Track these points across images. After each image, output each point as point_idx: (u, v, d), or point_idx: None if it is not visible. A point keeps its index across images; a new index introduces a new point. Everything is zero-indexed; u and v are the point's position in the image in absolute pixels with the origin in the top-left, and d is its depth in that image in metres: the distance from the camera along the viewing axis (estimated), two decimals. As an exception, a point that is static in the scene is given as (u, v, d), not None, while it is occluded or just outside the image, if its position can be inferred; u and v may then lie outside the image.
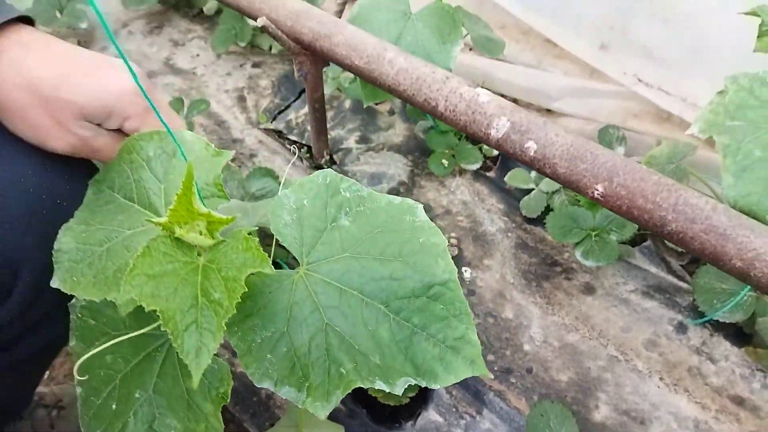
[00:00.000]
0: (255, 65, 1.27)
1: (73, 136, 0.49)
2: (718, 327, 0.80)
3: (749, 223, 0.54)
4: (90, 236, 0.46)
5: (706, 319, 0.77)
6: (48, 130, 0.48)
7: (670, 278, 0.86)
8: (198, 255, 0.44)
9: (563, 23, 1.22)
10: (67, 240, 0.47)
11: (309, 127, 1.09)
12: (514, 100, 1.34)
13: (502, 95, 1.29)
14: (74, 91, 0.48)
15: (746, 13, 0.70)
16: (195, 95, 1.20)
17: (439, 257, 0.49)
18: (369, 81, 0.76)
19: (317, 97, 0.92)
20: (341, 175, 0.52)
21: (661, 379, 0.77)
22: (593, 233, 0.82)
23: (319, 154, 1.03)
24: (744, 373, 0.76)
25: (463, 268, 0.89)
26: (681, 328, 0.81)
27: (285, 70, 1.25)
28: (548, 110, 1.31)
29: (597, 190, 0.60)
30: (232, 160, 1.08)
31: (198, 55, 1.30)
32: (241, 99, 1.19)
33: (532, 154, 0.63)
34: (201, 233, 0.43)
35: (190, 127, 0.99)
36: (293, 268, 0.49)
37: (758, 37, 0.67)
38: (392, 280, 0.48)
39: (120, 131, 0.53)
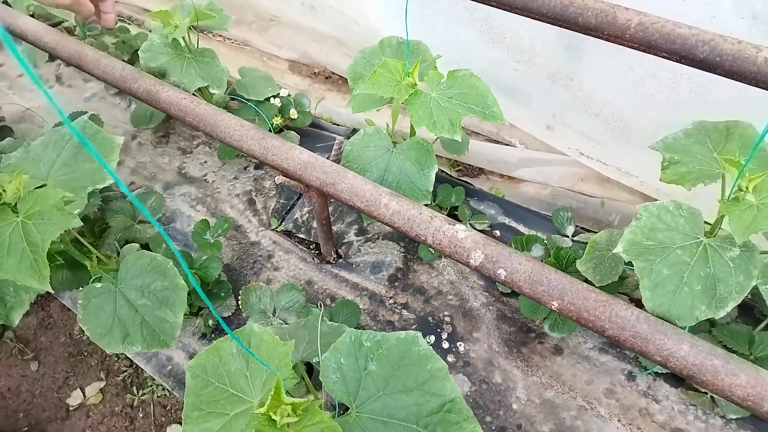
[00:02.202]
0: (257, 167, 1.43)
1: None
2: (659, 373, 1.00)
3: (664, 328, 0.73)
4: (205, 422, 0.63)
5: (649, 371, 0.97)
6: None
7: (620, 332, 1.05)
8: (288, 426, 0.60)
9: (517, 105, 1.40)
10: (192, 428, 0.63)
11: (316, 228, 1.26)
12: (480, 170, 1.53)
13: (470, 165, 1.48)
14: None
15: (652, 148, 0.88)
16: (210, 202, 1.36)
17: (445, 380, 0.67)
18: (369, 217, 0.93)
19: (324, 217, 1.09)
20: (359, 330, 0.69)
21: (619, 421, 0.96)
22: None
23: (328, 253, 1.19)
24: (681, 409, 0.96)
25: (458, 343, 1.07)
26: (630, 376, 1.00)
27: (284, 168, 1.41)
28: (510, 177, 1.50)
29: (554, 305, 0.78)
30: (253, 262, 1.24)
31: (206, 162, 1.45)
32: (251, 202, 1.35)
33: (503, 278, 0.81)
34: (288, 414, 0.60)
35: (218, 246, 1.14)
36: (342, 406, 0.67)
37: (662, 170, 0.85)
38: (417, 405, 0.65)
39: None
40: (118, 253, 1.17)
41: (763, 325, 0.97)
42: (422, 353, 0.67)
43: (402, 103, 0.95)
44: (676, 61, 0.88)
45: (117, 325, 0.92)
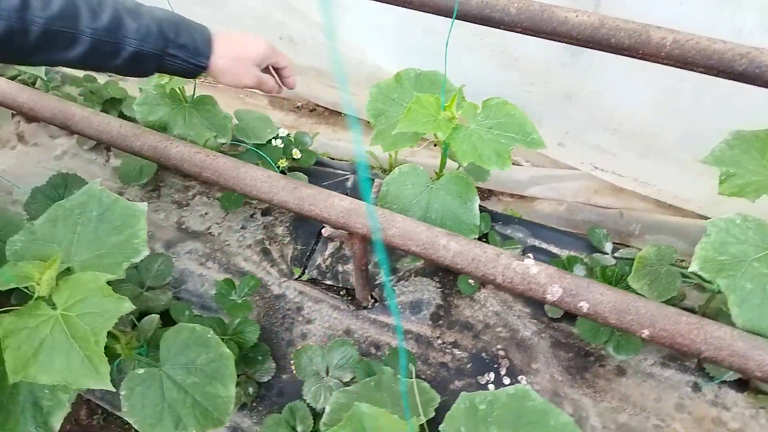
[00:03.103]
0: (264, 213, 1.37)
1: (255, 76, 0.88)
2: (723, 380, 1.02)
3: (760, 343, 0.74)
4: None
5: (719, 380, 0.99)
6: (245, 76, 0.87)
7: (675, 344, 1.07)
8: None
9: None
10: None
11: (343, 273, 1.21)
12: (490, 191, 1.53)
13: (478, 187, 1.47)
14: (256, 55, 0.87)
15: (704, 161, 0.91)
16: (221, 257, 1.28)
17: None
18: (426, 261, 0.90)
19: (364, 263, 1.05)
20: (472, 394, 0.66)
21: (695, 434, 0.97)
22: (616, 331, 1.01)
23: (364, 298, 1.15)
24: (752, 413, 0.98)
25: (519, 377, 1.05)
26: (696, 387, 1.02)
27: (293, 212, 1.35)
28: (521, 196, 1.51)
29: (644, 333, 0.78)
30: (282, 317, 1.18)
31: (206, 213, 1.38)
32: (266, 252, 1.29)
33: (585, 311, 0.80)
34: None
35: (247, 307, 1.07)
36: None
37: (720, 183, 0.87)
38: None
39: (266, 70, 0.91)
40: (133, 327, 1.08)
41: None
42: (539, 407, 0.65)
43: (444, 139, 0.93)
44: (714, 75, 0.91)
45: (167, 411, 0.85)
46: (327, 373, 0.97)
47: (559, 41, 0.99)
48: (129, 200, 1.41)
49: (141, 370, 0.85)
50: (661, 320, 0.77)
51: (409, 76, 1.11)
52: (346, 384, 0.97)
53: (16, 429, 0.78)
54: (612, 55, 1.00)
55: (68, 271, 0.81)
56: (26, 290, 0.76)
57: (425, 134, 1.01)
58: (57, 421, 0.79)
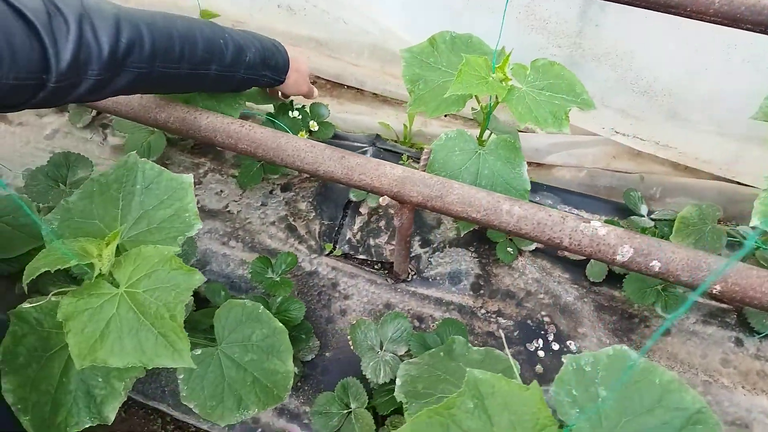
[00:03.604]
0: (284, 188, 1.33)
1: (308, 84, 1.11)
2: (766, 335, 1.05)
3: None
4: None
5: (764, 334, 1.02)
6: (303, 85, 1.09)
7: (713, 303, 1.10)
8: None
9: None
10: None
11: (378, 246, 1.19)
12: (509, 160, 1.53)
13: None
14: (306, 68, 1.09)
15: (754, 118, 0.92)
16: (244, 236, 1.24)
17: (682, 391, 0.64)
18: (487, 227, 0.89)
19: (408, 234, 1.03)
20: (577, 356, 0.65)
21: (743, 387, 1.00)
22: (663, 291, 1.03)
23: (403, 271, 1.13)
24: (795, 365, 1.02)
25: (568, 342, 1.06)
26: (738, 342, 1.05)
27: (314, 186, 1.32)
28: (539, 164, 1.52)
29: (716, 289, 0.79)
30: (318, 294, 1.15)
31: (222, 191, 1.32)
32: (291, 228, 1.25)
33: (656, 270, 0.81)
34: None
35: (288, 284, 1.04)
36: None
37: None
38: (663, 425, 0.63)
39: None
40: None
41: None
42: (642, 367, 0.65)
43: (501, 100, 0.91)
44: (762, 32, 0.92)
45: (228, 392, 0.82)
46: (381, 347, 0.95)
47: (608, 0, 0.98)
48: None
49: (198, 351, 0.82)
50: (734, 275, 0.79)
51: (445, 39, 1.08)
52: (402, 357, 0.95)
53: (69, 420, 0.74)
54: (648, 15, 1.01)
55: (118, 248, 0.76)
56: (73, 270, 0.70)
57: (468, 95, 0.99)
58: (111, 411, 0.74)
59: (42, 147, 1.42)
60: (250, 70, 0.94)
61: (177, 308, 0.64)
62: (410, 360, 0.85)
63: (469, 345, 0.82)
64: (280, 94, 1.15)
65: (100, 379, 0.74)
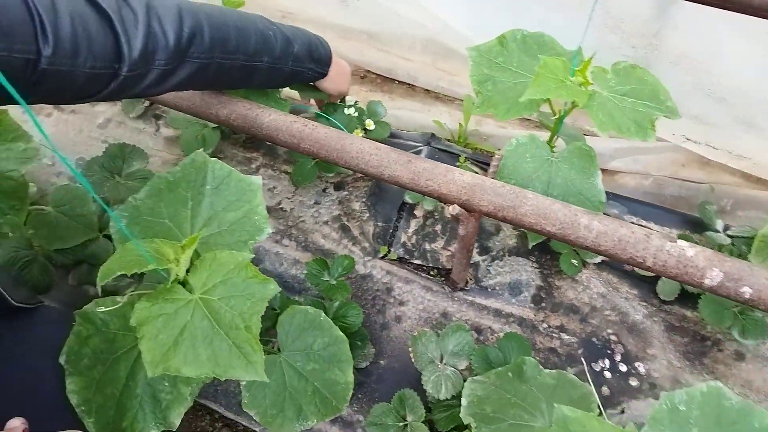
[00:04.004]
0: (337, 187, 1.31)
1: (348, 85, 1.16)
2: None
3: None
4: None
5: None
6: (343, 84, 1.14)
7: (794, 327, 1.04)
8: None
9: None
10: None
11: (431, 252, 1.17)
12: (569, 165, 1.48)
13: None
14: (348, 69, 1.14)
15: None
16: (297, 234, 1.23)
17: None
18: (562, 242, 0.86)
19: (471, 243, 1.00)
20: (671, 394, 0.62)
21: (826, 422, 0.95)
22: (740, 314, 0.98)
23: (461, 280, 1.11)
24: None
25: (636, 363, 1.02)
26: (821, 372, 1.00)
27: (368, 186, 1.30)
28: (602, 169, 1.46)
29: (814, 320, 0.75)
30: (372, 299, 1.13)
31: (274, 187, 1.31)
32: (345, 229, 1.23)
33: (747, 297, 0.77)
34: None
35: (345, 288, 1.02)
36: None
37: None
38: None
39: None
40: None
41: None
42: (738, 407, 0.61)
43: (581, 106, 0.88)
44: None
45: (289, 401, 0.81)
46: (441, 360, 0.93)
47: (697, 1, 0.93)
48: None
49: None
50: (836, 305, 0.74)
51: (515, 38, 1.04)
52: (462, 372, 0.93)
53: (135, 426, 0.73)
54: (733, 17, 0.95)
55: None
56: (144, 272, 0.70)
57: (544, 100, 0.95)
58: (177, 417, 0.74)
59: (95, 136, 1.44)
60: (297, 62, 0.95)
61: (252, 319, 0.63)
62: (476, 378, 0.82)
63: (540, 367, 0.79)
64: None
65: (167, 384, 0.74)
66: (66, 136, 1.45)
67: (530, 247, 1.11)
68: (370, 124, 1.30)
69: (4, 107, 0.92)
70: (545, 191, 0.95)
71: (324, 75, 1.06)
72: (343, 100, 1.26)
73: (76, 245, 1.07)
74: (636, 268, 1.12)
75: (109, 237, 1.15)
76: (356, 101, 1.34)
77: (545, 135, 1.17)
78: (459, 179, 0.89)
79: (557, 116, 1.00)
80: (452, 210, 0.86)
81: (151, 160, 1.36)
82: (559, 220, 0.84)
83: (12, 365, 0.71)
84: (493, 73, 1.02)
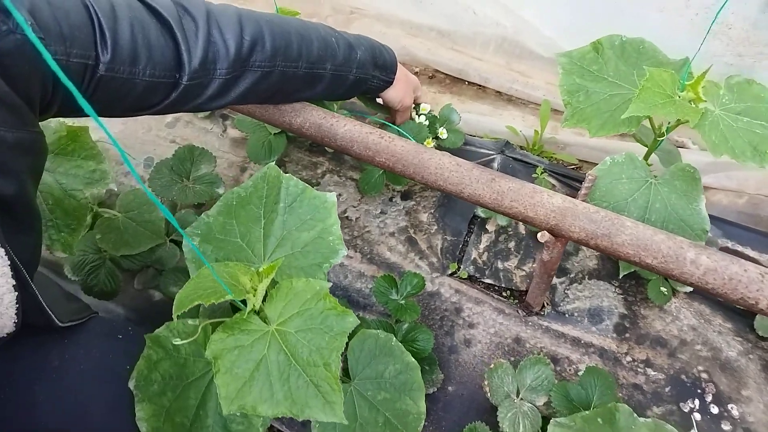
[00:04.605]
0: (404, 196, 1.26)
1: (412, 99, 1.11)
2: None
3: None
4: None
5: None
6: (407, 97, 1.08)
7: None
8: None
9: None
10: None
11: (515, 277, 1.10)
12: (654, 178, 1.38)
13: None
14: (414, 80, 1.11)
15: None
16: (362, 245, 1.19)
17: None
18: (663, 276, 0.78)
19: (554, 269, 0.93)
20: None
21: None
22: None
23: (537, 304, 1.04)
24: None
25: (729, 405, 0.93)
26: None
27: (436, 197, 1.25)
28: (692, 184, 1.36)
29: None
30: (440, 319, 1.08)
31: (340, 194, 1.28)
32: (411, 242, 1.18)
33: None
34: None
35: (415, 310, 0.98)
36: None
37: None
38: None
39: None
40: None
41: None
42: None
43: (692, 126, 0.79)
44: None
45: (359, 434, 0.77)
46: (517, 395, 0.88)
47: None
48: (252, 175, 1.34)
49: (333, 387, 0.77)
50: None
51: (613, 44, 0.96)
52: (539, 408, 0.87)
53: (204, 455, 0.71)
54: None
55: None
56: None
57: (644, 117, 0.87)
58: (246, 447, 0.71)
59: (163, 135, 1.44)
60: (361, 69, 0.92)
61: (332, 356, 0.60)
62: (559, 420, 0.76)
63: (635, 415, 0.73)
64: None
65: (238, 415, 0.71)
66: (134, 135, 1.46)
67: (620, 276, 1.03)
68: (443, 133, 1.24)
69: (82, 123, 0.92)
70: (642, 217, 0.87)
71: (390, 83, 1.02)
72: (416, 107, 1.21)
73: (143, 251, 1.07)
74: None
75: (175, 242, 1.15)
76: (430, 110, 1.27)
77: (633, 147, 1.09)
78: (547, 202, 0.82)
79: (657, 132, 0.92)
80: (542, 237, 0.80)
81: (217, 162, 1.35)
82: (662, 253, 0.76)
83: (59, 387, 0.70)
84: (585, 82, 0.95)
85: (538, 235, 0.80)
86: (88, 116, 0.71)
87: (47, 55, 0.32)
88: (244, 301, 0.62)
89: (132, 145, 1.44)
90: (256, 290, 0.62)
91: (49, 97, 0.62)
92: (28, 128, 0.59)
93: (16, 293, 0.57)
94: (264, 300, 0.65)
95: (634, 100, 0.80)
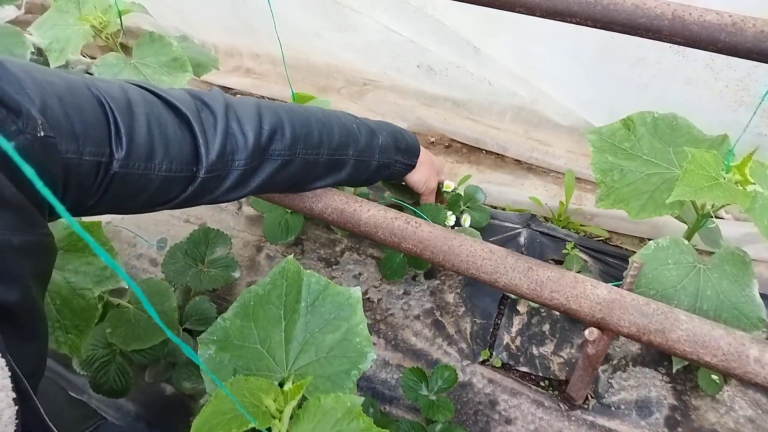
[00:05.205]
0: (427, 275, 1.21)
1: (436, 181, 1.10)
2: None
3: None
4: None
5: None
6: (432, 180, 1.06)
7: None
8: None
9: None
10: None
11: (554, 366, 1.03)
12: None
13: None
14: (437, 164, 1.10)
15: None
16: (385, 330, 1.13)
17: None
18: (724, 375, 0.71)
19: (599, 362, 0.86)
20: None
21: None
22: None
23: (580, 397, 0.96)
24: None
25: None
26: None
27: (462, 276, 1.19)
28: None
29: None
30: (473, 413, 1.00)
31: (360, 274, 1.23)
32: (438, 325, 1.12)
33: None
34: None
35: (448, 408, 0.90)
36: None
37: None
38: None
39: None
40: None
41: None
42: None
43: (743, 210, 0.74)
44: None
45: None
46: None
47: None
48: (269, 256, 1.29)
49: None
50: None
51: (645, 121, 0.93)
52: None
53: None
54: None
55: (283, 383, 0.66)
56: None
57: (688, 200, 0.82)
58: None
59: (177, 215, 1.41)
60: (384, 154, 0.91)
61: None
62: None
63: None
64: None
65: None
66: (148, 214, 1.42)
67: (674, 370, 0.96)
68: (465, 220, 1.19)
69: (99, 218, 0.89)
70: (693, 306, 0.81)
71: (412, 167, 1.00)
72: (439, 190, 1.17)
73: (154, 345, 1.01)
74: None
75: (189, 331, 1.10)
76: (454, 188, 1.23)
77: (666, 219, 1.03)
78: (591, 293, 0.76)
79: (701, 213, 0.87)
80: (590, 335, 0.74)
81: (233, 242, 1.31)
82: (722, 350, 0.70)
83: None
84: (619, 161, 0.91)
85: (586, 332, 0.74)
86: (102, 214, 0.69)
87: (7, 146, 0.28)
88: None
89: (146, 226, 1.41)
90: (281, 412, 0.56)
91: (60, 198, 0.59)
92: (35, 230, 0.55)
93: (17, 407, 0.51)
94: (291, 422, 0.58)
95: (678, 184, 0.75)
